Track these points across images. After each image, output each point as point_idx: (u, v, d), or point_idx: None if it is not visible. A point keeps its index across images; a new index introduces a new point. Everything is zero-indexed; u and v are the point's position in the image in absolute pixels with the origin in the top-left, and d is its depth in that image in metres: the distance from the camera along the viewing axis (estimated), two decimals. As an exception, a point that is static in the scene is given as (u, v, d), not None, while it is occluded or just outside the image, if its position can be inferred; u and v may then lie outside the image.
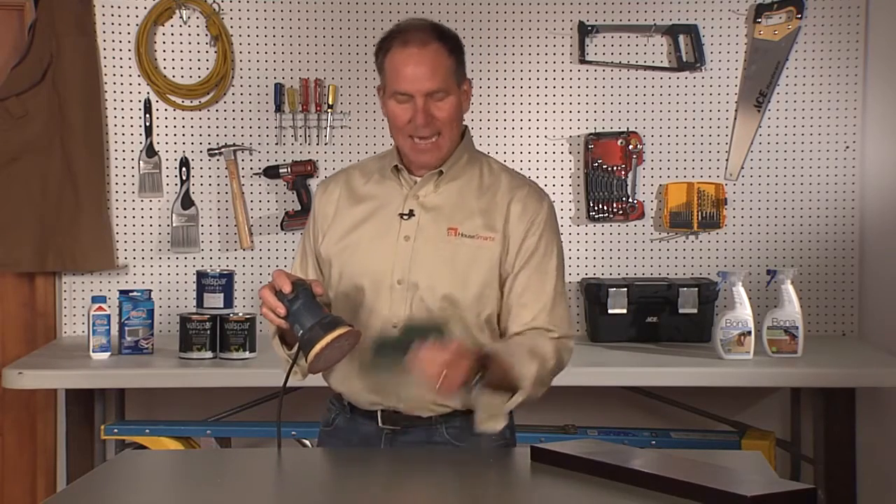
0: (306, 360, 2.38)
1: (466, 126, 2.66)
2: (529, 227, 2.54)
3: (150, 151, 4.26)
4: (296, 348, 2.46)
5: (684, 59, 4.24)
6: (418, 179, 2.58)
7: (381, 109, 2.60)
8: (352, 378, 2.55)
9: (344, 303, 2.55)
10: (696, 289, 4.05)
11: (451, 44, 2.56)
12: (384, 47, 2.55)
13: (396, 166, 2.59)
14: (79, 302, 4.24)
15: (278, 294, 2.37)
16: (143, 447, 3.86)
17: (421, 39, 2.51)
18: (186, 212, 4.26)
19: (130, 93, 4.25)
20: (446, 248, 2.51)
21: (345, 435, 2.61)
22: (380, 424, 2.56)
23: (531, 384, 2.43)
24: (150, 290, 3.98)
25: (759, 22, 4.22)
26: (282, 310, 2.37)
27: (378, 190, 2.61)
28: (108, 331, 3.84)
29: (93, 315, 3.82)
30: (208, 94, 4.25)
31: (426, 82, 2.49)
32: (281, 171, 4.24)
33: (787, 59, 4.23)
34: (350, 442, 2.60)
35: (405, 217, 2.55)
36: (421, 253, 2.51)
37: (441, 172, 2.57)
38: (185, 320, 3.81)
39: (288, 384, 2.49)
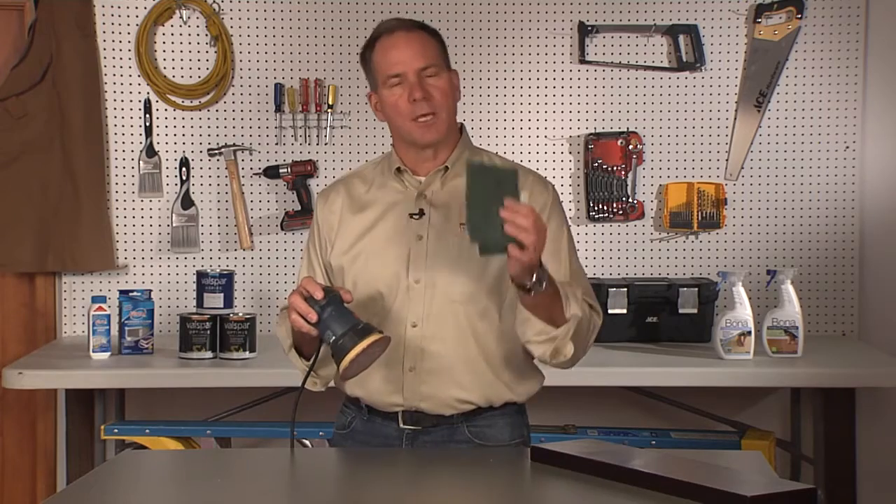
0: (338, 366, 2.37)
1: (463, 124, 2.66)
2: (538, 212, 2.55)
3: (150, 151, 4.26)
4: (313, 359, 2.47)
5: (684, 59, 4.24)
6: (422, 179, 2.59)
7: (377, 115, 2.61)
8: (371, 380, 2.55)
9: (361, 309, 2.54)
10: (696, 289, 4.05)
11: (433, 32, 2.60)
12: (369, 46, 2.59)
13: (399, 168, 2.59)
14: (79, 302, 4.24)
15: (308, 300, 2.38)
16: (143, 447, 3.86)
17: (405, 28, 2.56)
18: (186, 212, 4.26)
19: (130, 93, 4.25)
20: (460, 244, 2.50)
21: (363, 437, 2.61)
22: (400, 425, 2.57)
23: (580, 308, 2.44)
24: (150, 290, 3.98)
25: (759, 22, 4.22)
26: (313, 316, 2.37)
27: (381, 195, 2.61)
28: (108, 331, 3.84)
29: (93, 315, 3.82)
30: (208, 94, 4.25)
31: (417, 59, 2.52)
32: (281, 171, 4.24)
33: (787, 59, 4.23)
34: (369, 444, 2.60)
35: (415, 217, 2.56)
36: (435, 250, 2.52)
37: (447, 169, 2.58)
38: (185, 320, 3.81)
39: (304, 391, 2.51)
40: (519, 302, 2.42)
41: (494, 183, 2.30)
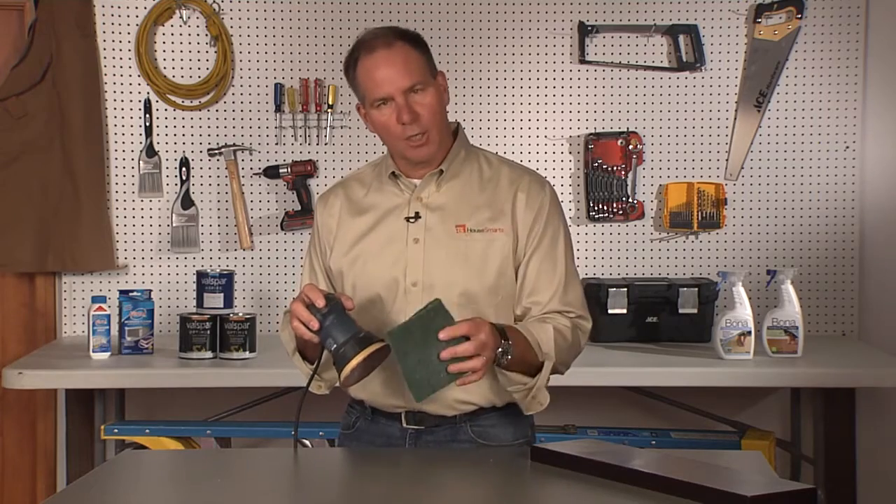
0: (339, 374, 2.38)
1: (459, 123, 2.65)
2: (536, 214, 2.56)
3: (150, 151, 4.26)
4: (317, 363, 2.47)
5: (684, 59, 4.24)
6: (418, 182, 2.59)
7: (367, 127, 2.60)
8: (372, 382, 2.55)
9: (360, 313, 2.54)
10: (696, 289, 4.05)
11: (414, 40, 2.55)
12: (351, 61, 2.55)
13: (394, 172, 2.59)
14: (79, 302, 4.24)
15: (310, 308, 2.38)
16: (143, 447, 3.86)
17: (385, 41, 2.51)
18: (186, 212, 4.26)
19: (130, 93, 4.25)
20: (457, 246, 2.51)
21: (368, 437, 2.62)
22: (403, 425, 2.57)
23: (554, 348, 2.45)
24: (150, 290, 3.98)
25: (759, 22, 4.23)
26: (315, 324, 2.37)
27: (378, 198, 2.61)
28: (108, 331, 3.84)
29: (93, 315, 3.82)
30: (208, 94, 4.25)
31: (402, 79, 2.49)
32: (281, 171, 4.24)
33: (787, 59, 4.23)
34: (374, 444, 2.61)
35: (411, 220, 2.56)
36: (433, 253, 2.52)
37: (441, 171, 2.57)
38: (185, 320, 3.81)
39: (307, 393, 2.52)
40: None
41: (419, 333, 2.30)
